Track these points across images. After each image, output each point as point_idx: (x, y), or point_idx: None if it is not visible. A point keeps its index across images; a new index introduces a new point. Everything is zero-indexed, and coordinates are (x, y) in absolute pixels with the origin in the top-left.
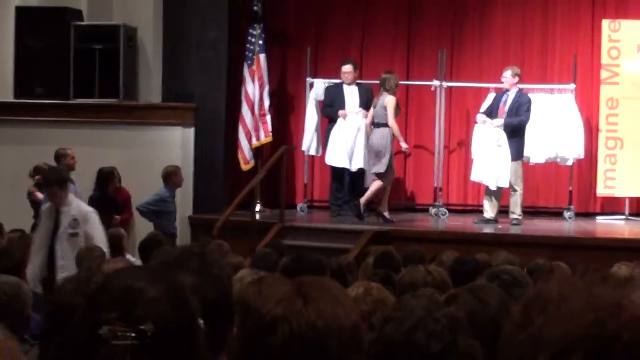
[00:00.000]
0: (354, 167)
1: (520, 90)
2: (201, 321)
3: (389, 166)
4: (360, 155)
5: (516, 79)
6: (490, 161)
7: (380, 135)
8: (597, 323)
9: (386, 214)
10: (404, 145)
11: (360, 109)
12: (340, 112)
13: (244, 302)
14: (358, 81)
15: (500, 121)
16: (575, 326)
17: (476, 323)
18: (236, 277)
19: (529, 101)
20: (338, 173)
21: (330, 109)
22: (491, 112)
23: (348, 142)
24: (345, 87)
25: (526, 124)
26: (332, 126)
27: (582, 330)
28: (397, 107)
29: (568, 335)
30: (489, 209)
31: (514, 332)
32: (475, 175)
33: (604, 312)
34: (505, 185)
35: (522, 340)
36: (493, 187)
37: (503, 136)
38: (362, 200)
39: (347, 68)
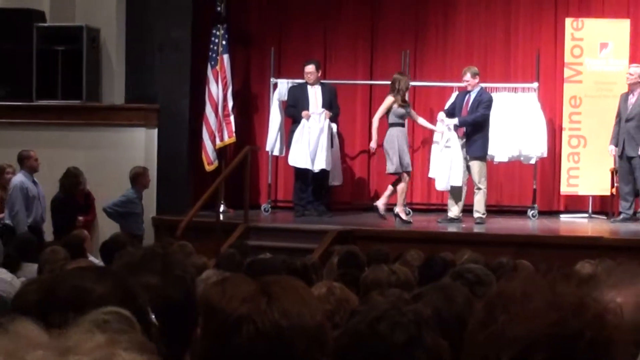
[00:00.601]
0: (316, 168)
1: (482, 88)
2: (153, 316)
3: (402, 166)
4: (322, 156)
5: (477, 79)
6: (441, 161)
7: (389, 136)
8: (560, 322)
9: (402, 214)
10: (372, 145)
11: (324, 109)
12: (304, 112)
13: (208, 303)
14: (322, 81)
15: (455, 120)
16: (538, 325)
17: (442, 320)
18: (201, 277)
19: (490, 99)
20: (302, 173)
21: (294, 110)
22: (454, 111)
23: (311, 142)
24: (308, 87)
25: (482, 122)
26: (296, 127)
27: (545, 329)
28: (405, 108)
29: (531, 334)
30: (453, 208)
31: (477, 330)
32: (432, 173)
33: (566, 311)
34: (458, 183)
35: (485, 339)
36: (442, 188)
37: (453, 136)
38: (379, 202)
39: (309, 68)
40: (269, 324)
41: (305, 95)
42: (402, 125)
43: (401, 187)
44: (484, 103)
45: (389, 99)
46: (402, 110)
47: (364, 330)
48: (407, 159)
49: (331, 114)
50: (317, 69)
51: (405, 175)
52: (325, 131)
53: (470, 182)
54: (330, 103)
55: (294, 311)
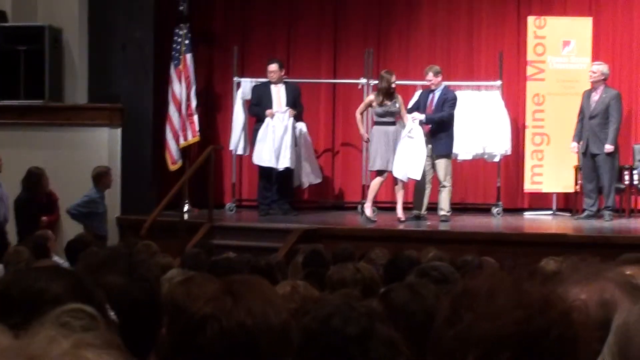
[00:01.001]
0: (280, 167)
1: (446, 87)
2: (112, 313)
3: (375, 165)
4: (287, 155)
5: (439, 77)
6: (401, 150)
7: (370, 134)
8: (526, 320)
9: (368, 211)
10: (363, 136)
11: (287, 108)
12: (268, 111)
13: (173, 302)
14: (285, 80)
15: (422, 115)
16: (504, 323)
17: (410, 315)
18: (165, 277)
19: (455, 98)
20: (266, 172)
21: (258, 108)
22: (418, 110)
23: (275, 141)
24: (272, 86)
25: (447, 120)
26: (260, 125)
27: (511, 327)
28: (384, 107)
29: (497, 333)
30: (418, 206)
31: (443, 328)
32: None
33: (532, 309)
34: (417, 177)
35: (452, 337)
36: (402, 178)
37: (417, 128)
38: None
39: (272, 67)
40: (234, 323)
41: (268, 94)
42: (383, 124)
43: (374, 184)
44: (450, 101)
45: (369, 97)
46: (379, 109)
47: (317, 327)
48: (382, 159)
49: (295, 112)
50: (280, 67)
51: (380, 174)
52: (290, 130)
53: (435, 180)
54: (294, 102)
55: (258, 310)
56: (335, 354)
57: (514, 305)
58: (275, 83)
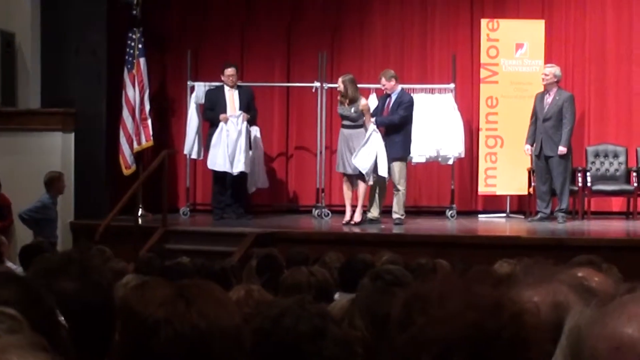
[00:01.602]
0: (235, 171)
1: (402, 90)
2: (62, 318)
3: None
4: (242, 159)
5: (393, 81)
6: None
7: None
8: (478, 323)
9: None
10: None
11: (241, 112)
12: (222, 116)
13: (126, 307)
14: (239, 84)
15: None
16: (456, 326)
17: (375, 319)
18: (121, 282)
19: (410, 101)
20: (220, 176)
21: (212, 113)
22: (376, 114)
23: (230, 145)
24: (226, 90)
25: (399, 123)
26: (214, 130)
27: (463, 330)
28: (344, 110)
29: (449, 336)
30: (373, 209)
31: (396, 331)
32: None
33: (484, 312)
34: (384, 174)
35: (404, 340)
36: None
37: (374, 133)
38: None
39: (231, 71)
40: (187, 326)
41: (222, 98)
42: (344, 127)
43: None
44: (404, 105)
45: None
46: (339, 112)
47: (269, 327)
48: (341, 161)
49: (249, 116)
50: (237, 71)
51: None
52: (244, 134)
53: (389, 183)
54: (248, 105)
55: (211, 313)
56: (288, 353)
57: (466, 308)
58: (231, 87)
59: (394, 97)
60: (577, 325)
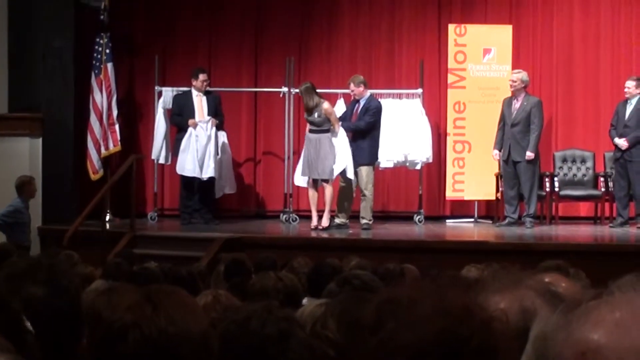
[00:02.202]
0: (205, 177)
1: (371, 95)
2: (28, 323)
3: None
4: (211, 164)
5: (362, 87)
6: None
7: None
8: (448, 329)
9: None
10: None
11: (210, 117)
12: (190, 121)
13: (94, 312)
14: (207, 89)
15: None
16: (427, 332)
17: (348, 323)
18: (90, 288)
19: (377, 107)
20: (188, 181)
21: (179, 118)
22: (345, 119)
23: (199, 151)
24: (194, 95)
25: (365, 129)
26: (182, 135)
27: (433, 335)
28: (308, 116)
29: (420, 341)
30: (341, 215)
31: (366, 336)
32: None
33: (454, 318)
34: (351, 176)
35: (375, 346)
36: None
37: (342, 137)
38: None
39: (204, 77)
40: (155, 331)
41: (190, 103)
42: (311, 131)
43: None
44: (371, 111)
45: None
46: (305, 118)
47: (235, 330)
48: (306, 166)
49: (217, 121)
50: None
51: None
52: (213, 139)
53: (357, 189)
54: (216, 110)
55: (179, 318)
56: (254, 356)
57: (436, 314)
58: (199, 93)
59: (362, 102)
60: (542, 332)
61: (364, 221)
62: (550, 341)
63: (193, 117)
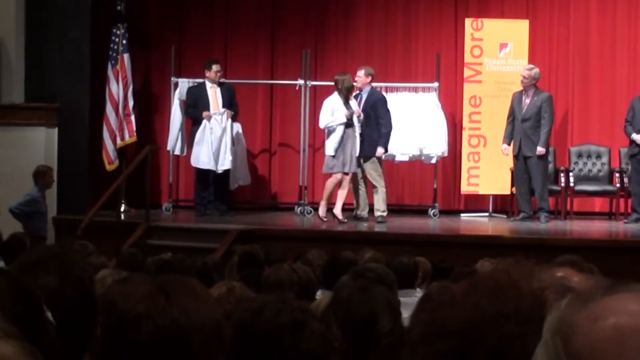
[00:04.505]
0: (220, 169)
1: (372, 88)
2: (49, 314)
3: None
4: (226, 157)
5: (369, 79)
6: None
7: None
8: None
9: (340, 215)
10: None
11: (225, 109)
12: (205, 113)
13: (108, 301)
14: (220, 80)
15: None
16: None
17: (354, 314)
18: (97, 277)
19: (384, 98)
20: (203, 173)
21: (194, 110)
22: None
23: (214, 143)
24: (208, 87)
25: (390, 127)
26: (197, 127)
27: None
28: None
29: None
30: (358, 206)
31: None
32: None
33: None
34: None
35: (422, 326)
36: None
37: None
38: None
39: (218, 67)
40: (168, 321)
41: (205, 95)
42: (349, 126)
43: (335, 185)
44: (384, 106)
45: (333, 100)
46: (347, 111)
47: (249, 319)
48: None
49: (232, 113)
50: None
51: (344, 176)
52: (228, 131)
53: (370, 182)
54: (230, 102)
55: (192, 308)
56: (268, 344)
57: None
58: (213, 84)
59: (365, 95)
60: (562, 317)
61: (378, 214)
62: (570, 324)
63: (208, 109)
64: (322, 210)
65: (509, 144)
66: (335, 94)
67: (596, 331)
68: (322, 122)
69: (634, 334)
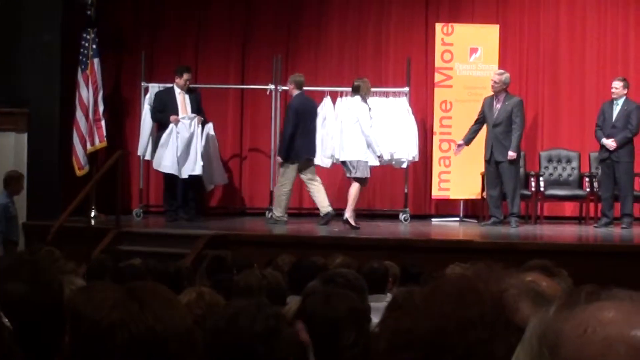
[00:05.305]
0: (184, 175)
1: (296, 95)
2: (6, 320)
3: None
4: (193, 163)
5: (291, 85)
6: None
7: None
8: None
9: (351, 220)
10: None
11: (195, 114)
12: (172, 117)
13: (74, 309)
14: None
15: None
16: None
17: (320, 322)
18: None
19: (291, 106)
20: (171, 178)
21: (161, 115)
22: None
23: (180, 148)
24: (177, 93)
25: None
26: (163, 132)
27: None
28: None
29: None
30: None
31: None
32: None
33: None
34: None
35: (388, 335)
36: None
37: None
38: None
39: (189, 76)
40: (143, 329)
41: (173, 100)
42: None
43: (354, 192)
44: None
45: (365, 105)
46: (371, 114)
47: (224, 326)
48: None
49: (202, 119)
50: None
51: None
52: (198, 137)
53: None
54: (198, 109)
55: (166, 315)
56: (242, 352)
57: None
58: (182, 90)
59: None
60: (545, 324)
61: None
62: (557, 334)
63: (176, 113)
64: (351, 218)
65: (467, 143)
66: (358, 98)
67: (585, 343)
68: (368, 129)
69: (623, 347)
